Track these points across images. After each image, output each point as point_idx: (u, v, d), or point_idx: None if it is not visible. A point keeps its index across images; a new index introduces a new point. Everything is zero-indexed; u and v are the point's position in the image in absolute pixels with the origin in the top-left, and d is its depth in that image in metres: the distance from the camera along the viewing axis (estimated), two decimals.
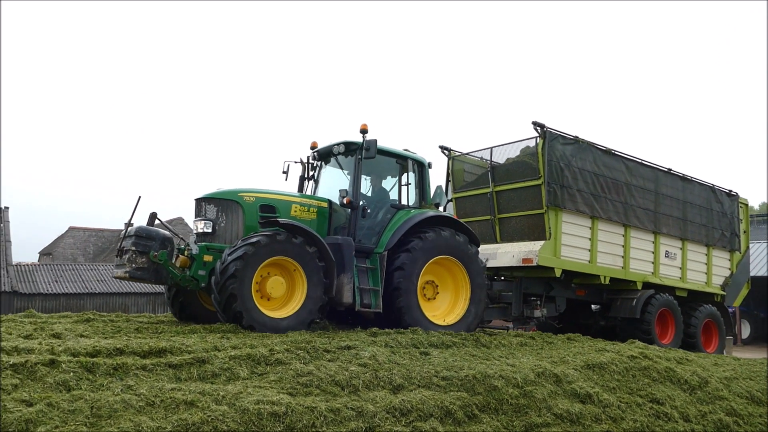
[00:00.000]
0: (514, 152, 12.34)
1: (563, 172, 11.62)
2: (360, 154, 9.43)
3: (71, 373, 4.91)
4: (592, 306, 13.94)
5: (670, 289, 13.37)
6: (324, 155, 10.54)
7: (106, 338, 6.55)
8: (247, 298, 7.89)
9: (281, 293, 8.35)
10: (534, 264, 11.37)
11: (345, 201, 9.35)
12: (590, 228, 12.15)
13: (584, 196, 11.93)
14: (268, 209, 8.97)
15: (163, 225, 9.29)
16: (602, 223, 12.29)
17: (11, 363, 4.87)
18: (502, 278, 12.83)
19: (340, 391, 5.49)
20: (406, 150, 10.45)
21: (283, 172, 10.41)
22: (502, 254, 12.07)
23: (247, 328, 7.85)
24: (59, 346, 5.71)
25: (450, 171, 13.63)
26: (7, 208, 33.88)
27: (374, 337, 7.76)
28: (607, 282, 12.38)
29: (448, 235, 9.70)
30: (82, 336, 6.60)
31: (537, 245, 11.45)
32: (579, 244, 12.00)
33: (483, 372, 6.30)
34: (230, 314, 7.91)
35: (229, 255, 8.00)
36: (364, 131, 9.35)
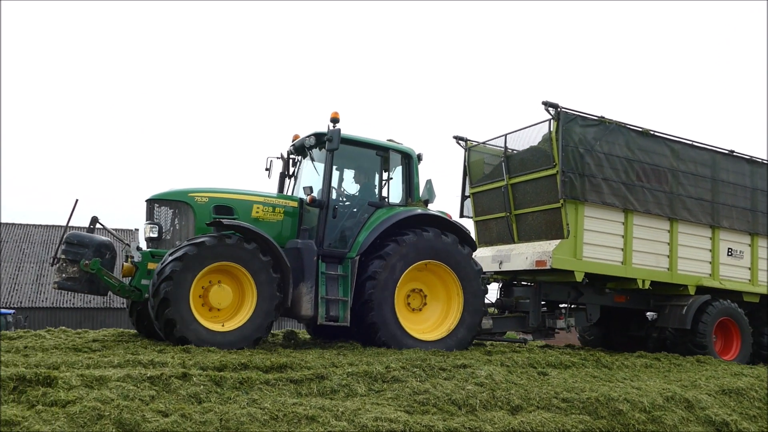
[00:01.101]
0: (534, 139, 10.79)
1: (583, 159, 10.08)
2: (329, 146, 8.44)
3: (201, 386, 5.16)
4: (648, 314, 12.32)
5: (735, 294, 11.56)
6: (300, 149, 9.45)
7: (230, 353, 6.85)
8: (182, 304, 7.13)
9: (228, 304, 7.55)
10: (548, 267, 9.90)
11: (308, 200, 8.38)
12: (623, 223, 10.54)
13: (613, 186, 10.32)
14: (223, 210, 8.16)
15: (106, 230, 8.86)
16: (639, 217, 10.64)
17: (148, 375, 5.21)
18: (523, 283, 11.44)
19: (457, 410, 5.44)
20: (391, 141, 9.38)
21: (266, 170, 9.49)
22: (516, 256, 10.66)
23: (178, 340, 7.11)
24: (189, 360, 6.05)
25: (466, 163, 12.23)
26: None
27: (489, 356, 7.70)
28: (647, 286, 10.74)
29: (431, 236, 8.57)
30: (208, 351, 6.93)
31: (552, 245, 10.03)
32: (608, 242, 10.45)
33: (606, 395, 6.04)
34: (162, 322, 7.18)
35: (169, 255, 7.34)
36: (334, 120, 8.35)
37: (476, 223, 12.27)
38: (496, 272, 11.25)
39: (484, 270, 10.85)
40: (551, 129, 10.03)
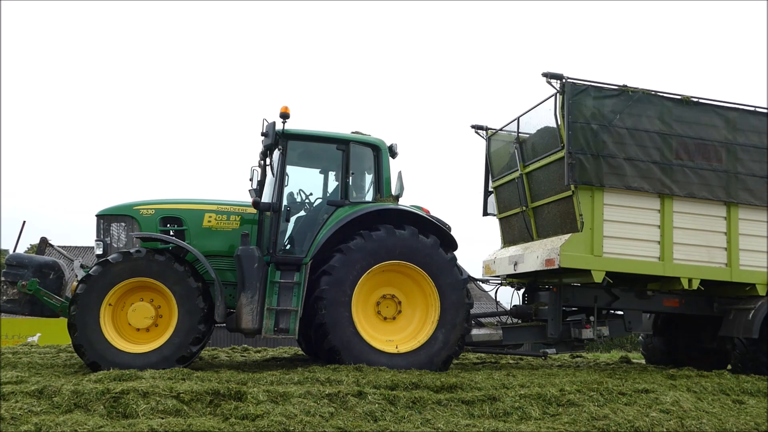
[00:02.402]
0: (544, 119, 9.25)
1: (598, 137, 8.56)
2: (279, 145, 7.83)
3: (376, 405, 5.28)
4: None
5: None
6: (264, 152, 8.55)
7: (400, 373, 6.96)
8: (90, 328, 6.83)
9: (148, 323, 7.09)
10: (556, 266, 8.44)
11: (252, 203, 7.85)
12: (659, 211, 8.83)
13: (640, 167, 8.69)
14: (171, 222, 7.88)
15: (55, 250, 8.70)
16: (681, 203, 8.87)
17: (326, 393, 5.43)
18: (548, 287, 9.79)
19: None
20: (358, 133, 8.44)
21: (249, 180, 8.79)
22: (529, 255, 9.16)
23: (89, 365, 6.83)
24: (363, 378, 6.23)
25: (487, 154, 10.91)
26: None
27: (673, 380, 7.13)
28: (695, 287, 8.86)
29: (407, 234, 7.54)
30: (380, 370, 7.08)
31: (562, 240, 8.53)
32: (639, 234, 8.76)
33: None
34: (74, 347, 6.96)
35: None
36: (283, 115, 7.66)
37: (500, 221, 11.11)
38: (509, 275, 9.96)
39: (502, 273, 9.98)
40: (557, 104, 8.65)
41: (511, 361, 10.41)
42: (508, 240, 10.77)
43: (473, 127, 10.99)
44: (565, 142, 8.46)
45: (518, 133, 9.81)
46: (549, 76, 8.54)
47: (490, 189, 11.02)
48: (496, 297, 10.04)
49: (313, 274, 7.41)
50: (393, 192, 8.11)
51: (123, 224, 7.88)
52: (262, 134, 7.75)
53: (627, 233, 8.69)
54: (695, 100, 9.04)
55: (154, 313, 7.10)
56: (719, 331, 9.34)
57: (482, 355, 11.42)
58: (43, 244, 8.25)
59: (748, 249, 9.11)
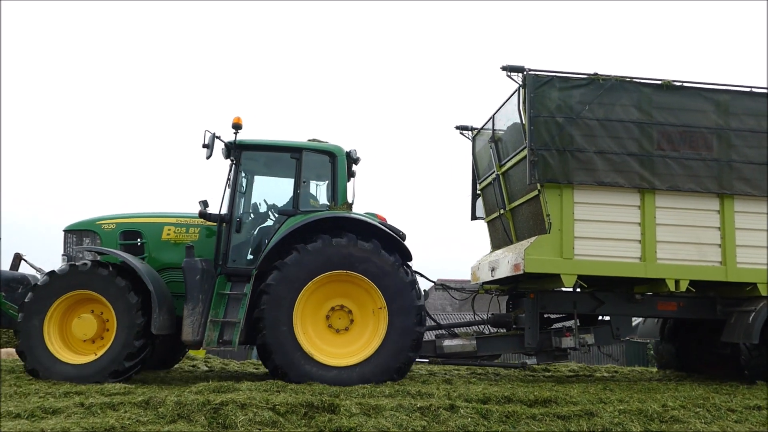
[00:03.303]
0: (514, 114, 8.66)
1: (563, 130, 7.99)
2: (230, 155, 7.86)
3: (469, 419, 5.22)
4: None
5: None
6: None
7: (491, 385, 6.85)
8: (33, 337, 7.00)
9: (89, 335, 7.18)
10: (521, 271, 7.90)
11: (198, 214, 7.82)
12: (639, 207, 8.13)
13: (614, 161, 8.05)
14: (130, 236, 8.04)
15: (30, 266, 8.79)
16: (665, 198, 8.15)
17: (418, 406, 5.42)
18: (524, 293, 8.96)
19: None
20: (315, 140, 8.33)
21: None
22: (503, 261, 8.60)
23: (29, 372, 7.04)
24: (453, 391, 6.18)
25: (473, 154, 10.34)
26: None
27: None
28: (683, 288, 8.06)
29: (344, 242, 7.30)
30: (470, 383, 7.00)
31: (529, 243, 8.01)
32: (616, 233, 8.07)
33: None
34: (18, 353, 7.06)
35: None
36: (235, 126, 7.64)
37: (487, 224, 10.51)
38: (488, 282, 9.43)
39: (484, 280, 9.35)
40: (519, 98, 8.14)
41: (580, 374, 10.03)
42: (494, 244, 10.31)
43: (458, 128, 10.53)
44: (526, 138, 8.00)
45: (494, 131, 9.36)
46: (509, 69, 8.06)
47: (478, 191, 10.53)
48: (473, 305, 9.49)
49: (260, 284, 7.33)
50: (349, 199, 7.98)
51: (86, 239, 8.05)
52: (204, 146, 7.57)
53: (602, 233, 8.06)
54: (678, 84, 8.36)
55: (97, 325, 7.20)
56: (721, 336, 8.58)
57: (575, 367, 11.08)
58: (17, 259, 8.56)
59: (747, 245, 8.25)
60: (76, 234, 8.12)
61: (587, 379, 8.24)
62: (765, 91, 8.49)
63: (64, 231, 8.20)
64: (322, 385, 6.73)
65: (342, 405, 5.26)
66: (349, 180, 8.85)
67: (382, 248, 7.33)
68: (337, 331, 7.43)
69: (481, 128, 10.15)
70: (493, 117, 9.47)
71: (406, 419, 5.08)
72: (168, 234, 8.04)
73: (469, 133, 10.50)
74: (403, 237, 7.85)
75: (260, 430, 4.79)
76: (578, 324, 8.56)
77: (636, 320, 10.26)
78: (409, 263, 7.62)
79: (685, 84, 8.36)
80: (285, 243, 7.36)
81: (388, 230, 7.54)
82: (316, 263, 7.23)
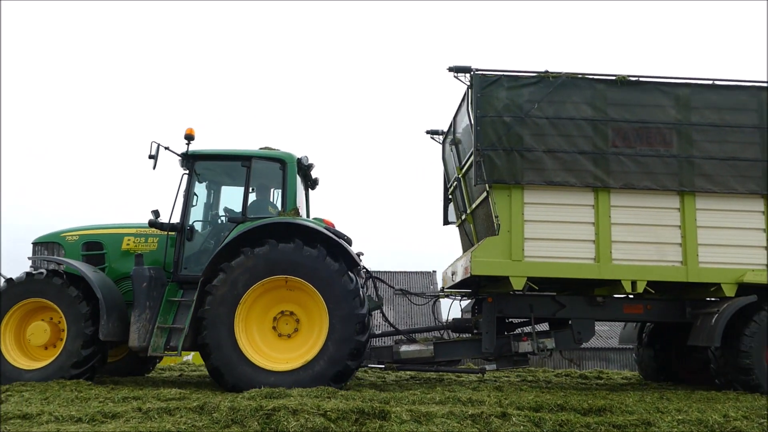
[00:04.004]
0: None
1: (511, 130, 7.86)
2: (186, 166, 8.13)
3: (521, 427, 5.15)
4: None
5: None
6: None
7: (543, 393, 6.74)
8: None
9: (44, 341, 7.48)
10: (467, 275, 7.76)
11: (148, 223, 8.02)
12: (593, 206, 7.88)
13: (564, 160, 7.85)
14: (92, 246, 8.32)
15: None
16: (620, 196, 7.91)
17: (469, 413, 5.37)
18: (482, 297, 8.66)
19: None
20: (267, 148, 8.44)
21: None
22: (460, 264, 8.44)
23: None
24: (505, 399, 6.11)
25: (443, 158, 10.17)
26: None
27: None
28: (640, 290, 7.78)
29: (290, 247, 7.32)
30: (521, 390, 6.90)
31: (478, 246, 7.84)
32: (568, 233, 7.84)
33: None
34: None
35: None
36: (188, 137, 7.90)
37: (458, 228, 10.27)
38: (450, 286, 9.23)
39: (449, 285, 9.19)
40: (467, 99, 8.03)
41: (633, 381, 9.75)
42: (464, 248, 10.17)
43: (428, 132, 10.42)
44: (473, 139, 7.89)
45: (454, 133, 9.26)
46: (456, 70, 7.99)
47: (449, 196, 10.39)
48: (433, 311, 9.40)
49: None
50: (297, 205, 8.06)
51: (51, 251, 8.39)
52: (150, 156, 7.73)
53: (554, 234, 7.86)
54: (635, 79, 8.10)
55: (51, 332, 7.50)
56: (688, 340, 8.21)
57: (627, 374, 10.84)
58: None
59: (710, 243, 7.94)
60: (42, 246, 8.48)
61: (642, 388, 8.03)
62: (734, 82, 8.22)
63: (32, 243, 8.56)
64: (372, 391, 6.75)
65: (393, 412, 5.25)
66: (313, 187, 9.24)
67: (327, 255, 7.37)
68: (281, 336, 7.50)
69: (447, 132, 10.10)
70: (453, 119, 9.39)
71: (458, 426, 5.04)
72: (128, 244, 8.34)
73: (440, 137, 10.44)
74: (349, 242, 7.95)
75: None
76: (536, 328, 8.38)
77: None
78: (356, 270, 7.73)
79: (641, 79, 8.14)
80: (232, 250, 7.46)
81: (334, 236, 7.59)
82: (260, 267, 7.32)
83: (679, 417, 5.45)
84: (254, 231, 7.46)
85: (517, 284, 7.74)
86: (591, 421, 5.32)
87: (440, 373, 9.97)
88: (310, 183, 9.27)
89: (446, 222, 10.64)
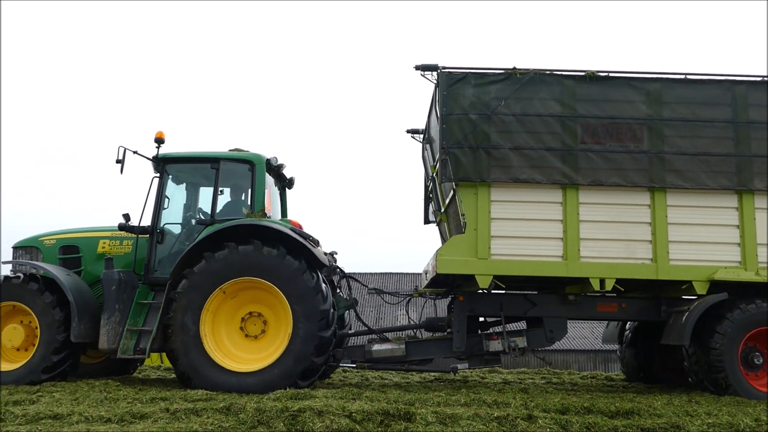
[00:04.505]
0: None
1: (477, 128, 7.80)
2: (157, 170, 8.27)
3: (548, 429, 5.11)
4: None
5: None
6: None
7: (569, 395, 6.69)
8: None
9: (19, 344, 7.65)
10: (434, 274, 7.77)
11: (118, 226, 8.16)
12: (561, 204, 7.78)
13: (531, 157, 7.76)
14: (69, 250, 8.43)
15: None
16: (589, 193, 7.79)
17: (495, 416, 5.34)
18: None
19: None
20: (237, 149, 8.48)
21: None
22: (431, 264, 8.35)
23: None
24: (531, 401, 6.07)
25: (422, 158, 10.04)
26: None
27: None
28: (609, 287, 7.64)
29: (251, 249, 7.38)
30: (546, 392, 6.86)
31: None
32: (536, 231, 7.75)
33: None
34: None
35: None
36: (157, 140, 8.08)
37: (438, 227, 10.11)
38: (426, 286, 9.11)
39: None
40: (434, 97, 7.98)
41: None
42: None
43: (409, 131, 10.26)
44: (439, 136, 7.86)
45: (428, 132, 9.16)
46: (422, 68, 7.96)
47: (430, 195, 10.21)
48: (407, 309, 9.23)
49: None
50: (265, 207, 8.11)
51: (30, 255, 8.55)
52: (117, 161, 7.84)
53: (521, 231, 7.77)
54: (605, 74, 7.98)
55: (25, 335, 7.68)
56: (661, 339, 8.01)
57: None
58: None
59: (681, 240, 7.76)
60: (22, 250, 8.66)
61: (670, 391, 7.92)
62: (707, 76, 8.05)
63: (12, 247, 8.73)
64: (397, 392, 6.75)
65: (418, 413, 5.24)
66: (290, 186, 9.37)
67: (288, 254, 7.41)
68: (249, 337, 7.58)
69: (424, 131, 10.03)
70: (428, 118, 9.33)
71: (484, 429, 5.02)
72: (103, 247, 8.46)
73: (420, 136, 10.32)
74: (316, 243, 7.99)
75: None
76: (508, 327, 8.27)
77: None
78: (322, 269, 7.81)
79: (611, 74, 8.03)
80: (200, 252, 7.53)
81: (297, 236, 7.62)
82: (222, 270, 7.39)
83: (709, 420, 5.37)
84: (222, 233, 7.55)
85: (483, 282, 7.68)
86: (619, 424, 5.26)
87: (460, 374, 9.94)
88: (286, 183, 9.37)
89: (426, 221, 10.53)
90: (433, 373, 10.64)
